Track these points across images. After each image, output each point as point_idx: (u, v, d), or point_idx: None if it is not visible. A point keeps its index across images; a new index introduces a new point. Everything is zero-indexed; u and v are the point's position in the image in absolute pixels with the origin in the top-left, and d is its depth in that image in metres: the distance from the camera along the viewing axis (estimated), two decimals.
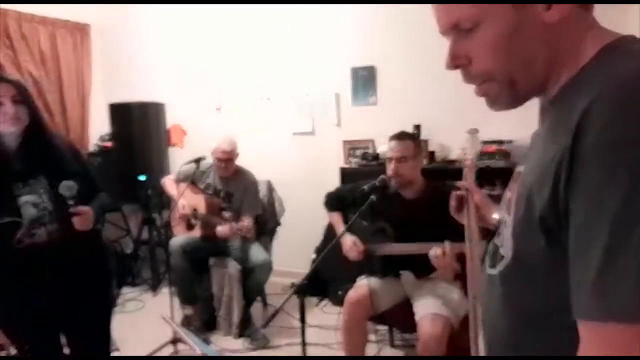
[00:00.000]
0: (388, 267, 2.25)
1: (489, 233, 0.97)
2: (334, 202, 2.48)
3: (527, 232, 0.60)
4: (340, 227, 2.37)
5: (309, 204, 3.13)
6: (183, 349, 2.60)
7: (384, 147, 2.70)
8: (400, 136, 2.22)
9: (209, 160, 3.04)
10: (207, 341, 2.82)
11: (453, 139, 3.21)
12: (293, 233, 3.44)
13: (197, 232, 3.04)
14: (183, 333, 1.75)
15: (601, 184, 0.48)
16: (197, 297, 3.05)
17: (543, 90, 0.64)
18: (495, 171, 2.70)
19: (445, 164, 3.12)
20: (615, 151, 0.48)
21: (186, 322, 3.01)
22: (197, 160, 2.97)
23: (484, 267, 0.75)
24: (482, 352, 0.75)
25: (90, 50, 4.34)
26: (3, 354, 1.99)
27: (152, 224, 3.88)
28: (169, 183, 3.21)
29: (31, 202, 1.57)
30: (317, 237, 2.59)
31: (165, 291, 3.50)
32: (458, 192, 1.19)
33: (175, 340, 2.58)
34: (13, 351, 1.75)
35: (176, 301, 2.93)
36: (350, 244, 2.24)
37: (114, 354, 2.49)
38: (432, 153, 3.20)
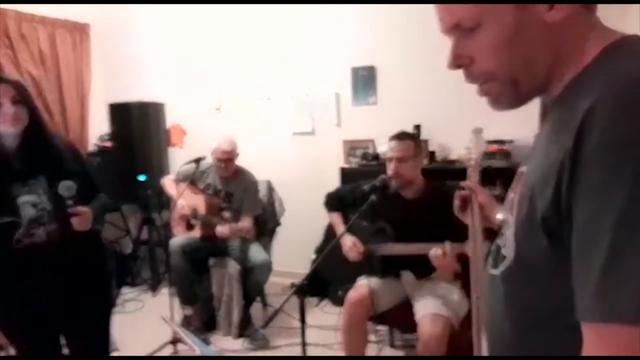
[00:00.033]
0: (388, 268, 2.24)
1: (492, 233, 0.97)
2: (334, 202, 2.48)
3: (530, 232, 0.60)
4: (340, 228, 2.36)
5: (309, 204, 3.12)
6: (183, 349, 2.59)
7: (384, 147, 2.70)
8: (401, 136, 2.22)
9: (209, 160, 3.04)
10: (206, 341, 2.82)
11: (453, 139, 3.20)
12: (293, 233, 3.43)
13: (196, 232, 3.03)
14: (183, 333, 1.74)
15: (604, 184, 0.48)
16: (197, 298, 3.04)
17: (546, 90, 0.64)
18: (496, 171, 2.70)
19: (445, 164, 3.12)
20: (618, 151, 0.48)
21: (186, 323, 3.00)
22: (197, 160, 2.97)
23: (487, 268, 0.75)
24: (484, 353, 0.75)
25: (90, 50, 4.33)
26: (3, 354, 1.99)
27: (152, 224, 3.88)
28: (168, 183, 3.20)
29: (30, 202, 1.56)
30: (317, 238, 2.59)
31: (164, 291, 3.50)
32: (462, 192, 1.19)
33: (174, 341, 2.58)
34: (12, 351, 1.75)
35: (176, 301, 2.93)
36: (350, 244, 2.23)
37: (114, 354, 2.49)
38: (432, 153, 3.20)
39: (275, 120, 3.83)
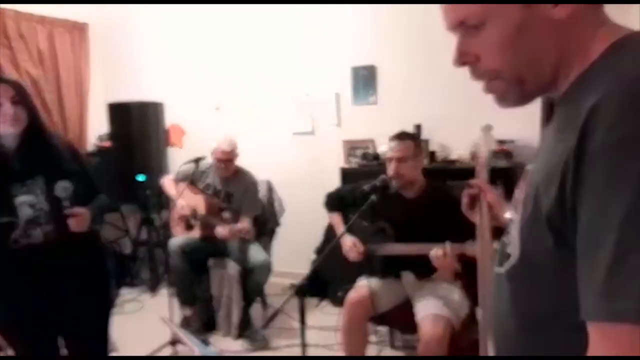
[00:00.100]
0: (388, 268, 2.24)
1: (501, 233, 0.96)
2: (334, 202, 2.47)
3: (534, 231, 0.59)
4: (340, 228, 2.36)
5: (309, 204, 3.11)
6: (182, 350, 2.58)
7: (384, 147, 2.69)
8: (401, 136, 2.21)
9: (209, 160, 3.03)
10: (206, 342, 2.81)
11: (454, 139, 3.20)
12: (293, 233, 3.42)
13: (196, 233, 3.02)
14: (182, 334, 1.74)
15: (609, 181, 0.48)
16: (196, 298, 3.03)
17: (552, 87, 0.63)
18: (497, 171, 2.69)
19: (446, 164, 3.11)
20: (624, 149, 0.47)
21: (185, 323, 2.99)
22: (196, 160, 2.96)
23: (494, 266, 0.75)
24: (490, 353, 0.74)
25: (89, 49, 4.32)
26: (2, 354, 1.98)
27: (151, 225, 3.86)
28: (168, 183, 3.19)
29: (28, 202, 1.56)
30: (317, 238, 2.58)
31: (164, 292, 3.49)
32: (470, 190, 1.18)
33: (174, 341, 2.56)
34: (10, 352, 1.74)
35: (175, 302, 2.92)
36: (350, 244, 2.22)
37: (112, 355, 2.47)
38: (432, 153, 3.19)
39: (275, 120, 3.82)
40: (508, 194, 1.21)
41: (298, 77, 3.70)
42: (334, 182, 3.14)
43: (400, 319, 2.22)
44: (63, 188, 1.58)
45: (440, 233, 1.98)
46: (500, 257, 0.71)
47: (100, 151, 4.08)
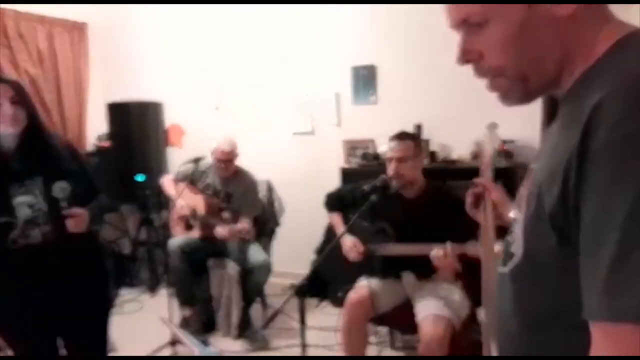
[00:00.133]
0: (389, 268, 2.23)
1: (504, 232, 0.96)
2: (334, 202, 2.46)
3: (538, 230, 0.59)
4: (340, 228, 2.35)
5: (309, 204, 3.11)
6: (182, 351, 2.57)
7: (384, 146, 2.69)
8: (401, 136, 2.20)
9: (208, 160, 3.02)
10: (205, 342, 2.80)
11: (454, 138, 3.19)
12: (293, 233, 3.42)
13: (196, 233, 3.01)
14: (181, 334, 1.73)
15: (613, 179, 0.47)
16: (196, 298, 3.02)
17: (556, 85, 0.63)
18: (497, 171, 2.67)
19: (446, 164, 3.11)
20: (628, 146, 0.47)
21: (185, 324, 2.99)
22: (196, 160, 2.95)
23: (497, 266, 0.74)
24: (493, 353, 0.74)
25: (88, 49, 4.32)
26: (1, 354, 1.97)
27: (151, 225, 3.86)
28: (167, 183, 3.18)
29: (26, 202, 1.55)
30: (317, 238, 2.57)
31: (163, 292, 3.48)
32: (475, 189, 1.17)
33: (173, 342, 2.55)
34: (10, 352, 1.73)
35: (175, 302, 2.91)
36: (350, 244, 2.22)
37: (112, 355, 2.47)
38: (433, 153, 3.18)
39: (275, 120, 3.81)
40: (508, 194, 1.21)
41: (298, 77, 3.70)
42: (334, 182, 3.14)
43: (401, 319, 2.21)
44: (60, 189, 1.57)
45: (440, 233, 1.97)
46: (504, 257, 0.71)
47: (100, 151, 4.07)
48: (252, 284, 2.91)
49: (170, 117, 4.02)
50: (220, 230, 2.81)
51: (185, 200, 2.98)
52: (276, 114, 3.80)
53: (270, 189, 3.39)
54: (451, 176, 2.82)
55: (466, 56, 0.64)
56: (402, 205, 2.21)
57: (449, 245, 1.94)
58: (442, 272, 2.11)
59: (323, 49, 3.60)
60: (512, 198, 1.16)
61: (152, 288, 3.79)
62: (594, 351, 0.50)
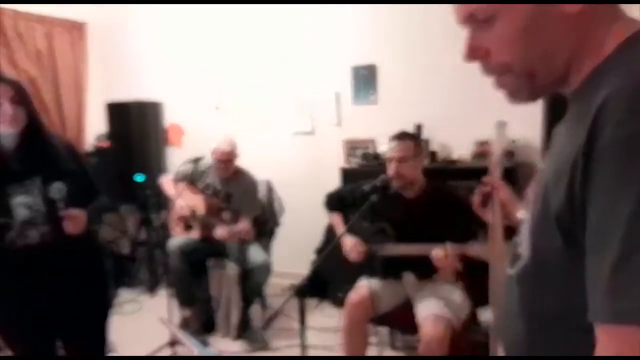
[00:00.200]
0: (389, 268, 2.22)
1: (512, 232, 0.95)
2: (334, 202, 2.46)
3: (544, 231, 0.58)
4: (340, 228, 2.34)
5: (309, 204, 3.10)
6: (181, 351, 2.57)
7: (384, 146, 2.68)
8: (401, 136, 2.20)
9: (208, 160, 3.01)
10: (205, 343, 2.79)
11: (455, 138, 3.19)
12: (293, 233, 3.41)
13: (195, 233, 3.01)
14: (181, 335, 1.72)
15: (618, 178, 0.47)
16: (196, 299, 3.02)
17: (564, 83, 0.62)
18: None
19: (446, 164, 3.10)
20: (632, 145, 0.46)
21: (184, 324, 2.98)
22: (196, 160, 2.94)
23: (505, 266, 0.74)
24: (500, 354, 0.74)
25: (87, 48, 4.31)
26: (1, 354, 1.97)
27: (150, 225, 3.85)
28: (167, 182, 3.18)
29: (24, 203, 1.55)
30: (317, 238, 2.57)
31: (163, 293, 3.47)
32: (483, 188, 1.15)
33: (173, 342, 2.55)
34: (9, 353, 1.72)
35: (174, 303, 2.90)
36: (351, 244, 2.21)
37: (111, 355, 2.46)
38: (433, 153, 3.17)
39: (275, 120, 3.81)
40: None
41: (298, 77, 3.69)
42: (334, 182, 3.13)
43: (401, 319, 2.21)
44: (57, 189, 1.57)
45: (440, 233, 1.97)
46: (512, 258, 0.70)
47: (99, 151, 4.06)
48: (251, 284, 2.90)
49: (170, 117, 4.02)
50: (220, 231, 2.80)
51: (185, 201, 2.97)
52: (276, 114, 3.80)
53: (270, 189, 3.38)
54: (451, 176, 2.82)
55: (473, 53, 0.63)
56: (402, 206, 2.20)
57: (449, 246, 1.93)
58: (443, 273, 2.10)
59: (323, 49, 3.59)
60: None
61: (152, 288, 3.78)
62: (598, 352, 0.50)
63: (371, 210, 2.02)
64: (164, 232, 3.48)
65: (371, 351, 2.44)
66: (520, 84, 0.62)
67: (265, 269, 2.91)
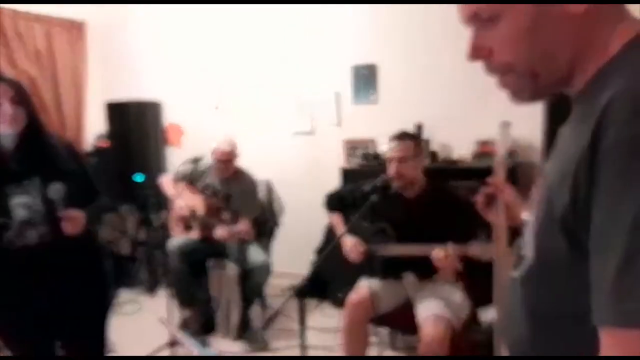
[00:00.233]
0: (389, 269, 2.22)
1: (515, 233, 0.94)
2: (334, 202, 2.45)
3: (549, 232, 0.58)
4: (340, 228, 2.34)
5: (309, 204, 3.10)
6: (181, 352, 2.56)
7: (384, 146, 2.68)
8: (401, 136, 2.19)
9: (208, 160, 3.01)
10: (205, 343, 2.79)
11: (455, 138, 3.18)
12: (293, 234, 3.41)
13: (195, 234, 3.00)
14: (181, 335, 1.72)
15: (622, 179, 0.46)
16: (195, 299, 3.01)
17: (567, 84, 0.61)
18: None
19: (447, 163, 3.10)
20: (637, 146, 0.45)
21: (184, 325, 2.97)
22: (195, 160, 2.94)
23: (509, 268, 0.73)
24: (504, 354, 0.73)
25: (87, 48, 4.30)
26: (1, 354, 1.96)
27: (150, 225, 3.84)
28: (167, 182, 3.17)
29: (23, 203, 1.54)
30: (317, 238, 2.56)
31: (162, 293, 3.46)
32: (487, 189, 1.14)
33: (172, 343, 2.54)
34: (8, 352, 1.72)
35: (174, 303, 2.89)
36: (351, 245, 2.21)
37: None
38: (434, 153, 3.17)
39: (275, 120, 3.80)
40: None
41: (298, 77, 3.69)
42: (334, 182, 3.13)
43: (401, 320, 2.20)
44: (56, 190, 1.57)
45: (440, 233, 1.96)
46: (516, 260, 0.69)
47: (98, 151, 4.05)
48: (251, 284, 2.90)
49: (170, 117, 4.01)
50: (220, 231, 2.79)
51: (185, 201, 2.97)
52: (276, 114, 3.79)
53: (270, 189, 3.37)
54: (452, 176, 2.81)
55: (476, 52, 0.63)
56: (402, 206, 2.19)
57: (449, 246, 1.92)
58: (443, 273, 2.10)
59: (323, 49, 3.59)
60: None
61: (151, 289, 3.77)
62: (602, 355, 0.50)
63: (371, 210, 2.01)
64: (164, 232, 3.47)
65: (371, 351, 2.44)
66: (523, 83, 0.62)
67: (265, 269, 2.90)
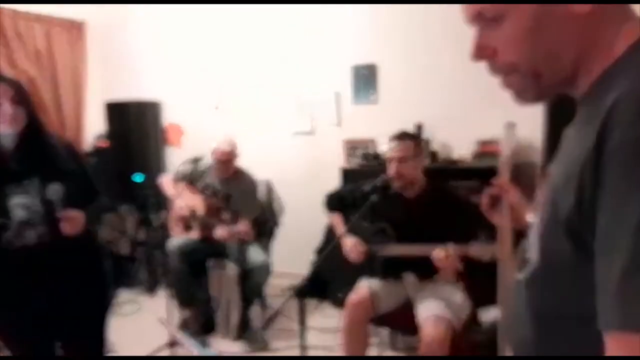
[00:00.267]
0: (389, 269, 2.21)
1: (519, 235, 0.93)
2: (334, 202, 2.45)
3: (554, 234, 0.57)
4: (340, 228, 2.33)
5: (309, 204, 3.09)
6: (180, 352, 2.56)
7: (384, 146, 2.67)
8: (401, 136, 2.19)
9: (208, 160, 3.01)
10: (204, 343, 2.78)
11: (455, 138, 3.18)
12: (293, 233, 3.40)
13: (195, 234, 3.00)
14: (180, 335, 1.71)
15: (627, 182, 0.46)
16: (195, 299, 3.00)
17: (571, 84, 0.61)
18: (498, 172, 2.67)
19: (447, 163, 3.09)
20: None
21: (184, 325, 2.97)
22: (195, 160, 2.94)
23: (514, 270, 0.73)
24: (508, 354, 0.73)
25: (86, 48, 4.30)
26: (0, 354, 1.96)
27: (149, 225, 3.83)
28: (166, 182, 3.17)
29: (22, 203, 1.54)
30: (317, 238, 2.56)
31: (162, 293, 3.46)
32: (492, 190, 1.14)
33: (172, 343, 2.54)
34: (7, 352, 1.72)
35: (174, 303, 2.89)
36: (351, 245, 2.20)
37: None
38: (434, 153, 3.17)
39: (275, 120, 3.80)
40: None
41: (298, 77, 3.68)
42: (334, 182, 3.13)
43: (401, 320, 2.20)
44: (54, 191, 1.56)
45: (441, 233, 1.96)
46: (520, 263, 0.69)
47: (98, 151, 4.05)
48: (251, 284, 2.89)
49: (170, 117, 4.01)
50: (220, 231, 2.79)
51: (185, 201, 2.96)
52: (276, 114, 3.79)
53: (270, 189, 3.37)
54: (452, 176, 2.81)
55: (480, 52, 0.62)
56: (402, 206, 2.19)
57: (450, 246, 1.92)
58: (444, 273, 2.09)
59: (323, 49, 3.59)
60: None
61: (151, 289, 3.77)
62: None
63: (371, 210, 2.01)
64: (164, 232, 3.46)
65: (371, 352, 2.43)
66: (526, 84, 0.62)
67: (265, 270, 2.90)
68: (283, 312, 2.61)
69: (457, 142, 3.17)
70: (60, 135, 2.19)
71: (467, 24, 0.64)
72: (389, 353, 2.69)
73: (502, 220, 1.06)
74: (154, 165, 3.77)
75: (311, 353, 2.25)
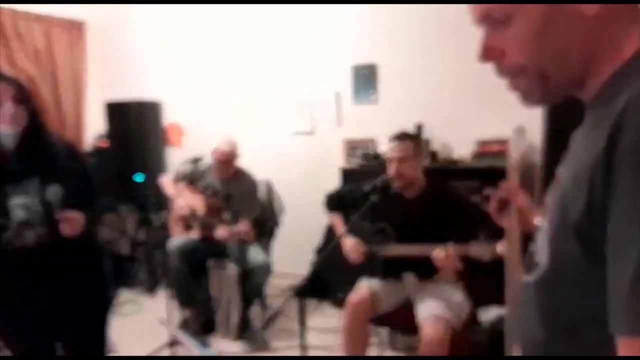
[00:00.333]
0: (389, 269, 2.22)
1: (527, 238, 0.93)
2: (334, 202, 2.45)
3: (563, 238, 0.57)
4: (340, 228, 2.33)
5: (309, 204, 3.09)
6: (181, 352, 2.56)
7: (384, 146, 2.67)
8: (401, 136, 2.19)
9: (208, 160, 3.01)
10: (205, 343, 2.78)
11: (455, 138, 3.18)
12: (293, 233, 3.40)
13: (195, 234, 3.00)
14: (181, 335, 1.71)
15: (637, 184, 0.45)
16: (195, 299, 3.01)
17: (580, 86, 0.60)
18: (499, 171, 2.67)
19: (447, 163, 3.09)
20: None
21: (184, 325, 2.97)
22: (195, 160, 2.94)
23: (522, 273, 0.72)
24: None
25: (86, 48, 4.30)
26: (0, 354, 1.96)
27: (150, 225, 3.83)
28: (167, 182, 3.17)
29: (22, 204, 1.54)
30: (317, 238, 2.56)
31: (162, 293, 3.46)
32: (500, 193, 1.14)
33: (172, 343, 2.54)
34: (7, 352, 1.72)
35: (174, 303, 2.89)
36: (351, 245, 2.20)
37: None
38: (434, 153, 3.17)
39: (275, 120, 3.80)
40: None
41: (298, 77, 3.69)
42: (334, 182, 3.13)
43: (401, 320, 2.20)
44: (54, 192, 1.56)
45: (441, 233, 1.96)
46: (529, 266, 0.69)
47: (98, 151, 4.05)
48: (251, 284, 2.90)
49: (170, 117, 4.01)
50: (220, 231, 2.79)
51: (185, 201, 2.97)
52: (276, 114, 3.79)
53: (270, 189, 3.37)
54: (452, 176, 2.81)
55: (488, 53, 0.62)
56: (402, 206, 2.19)
57: (450, 246, 1.92)
58: (444, 273, 2.10)
59: (323, 49, 3.59)
60: None
61: (151, 289, 3.77)
62: None
63: (371, 210, 2.01)
64: (164, 232, 3.47)
65: (371, 352, 2.43)
66: (533, 85, 0.61)
67: (265, 269, 2.90)
68: (283, 312, 2.61)
69: (457, 142, 3.17)
70: (61, 135, 2.19)
71: (472, 24, 0.63)
72: (389, 353, 2.69)
73: (510, 224, 1.06)
74: (154, 165, 3.77)
75: (311, 353, 2.25)
